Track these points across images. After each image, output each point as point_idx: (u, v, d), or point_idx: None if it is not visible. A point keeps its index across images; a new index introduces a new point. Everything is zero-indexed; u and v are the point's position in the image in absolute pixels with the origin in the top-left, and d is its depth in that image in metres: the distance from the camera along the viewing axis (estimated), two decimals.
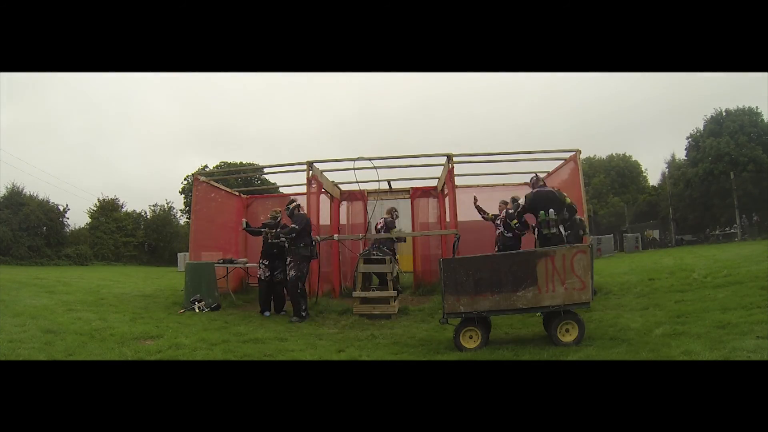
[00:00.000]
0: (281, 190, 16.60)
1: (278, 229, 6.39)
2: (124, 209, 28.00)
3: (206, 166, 29.47)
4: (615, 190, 31.77)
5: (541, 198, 5.47)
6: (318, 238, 7.11)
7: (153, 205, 29.72)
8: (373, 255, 6.69)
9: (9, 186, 22.43)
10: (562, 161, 7.97)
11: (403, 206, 9.46)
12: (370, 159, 7.02)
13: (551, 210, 5.32)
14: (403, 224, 9.37)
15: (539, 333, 4.40)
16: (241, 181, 25.06)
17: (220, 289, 7.22)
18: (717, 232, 19.76)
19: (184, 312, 6.29)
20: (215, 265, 7.28)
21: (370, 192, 9.17)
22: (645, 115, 52.34)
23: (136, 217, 28.33)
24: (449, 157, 7.13)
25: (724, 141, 22.18)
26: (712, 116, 24.03)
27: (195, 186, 8.52)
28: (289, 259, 6.14)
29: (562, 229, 5.43)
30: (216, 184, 8.98)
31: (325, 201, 8.53)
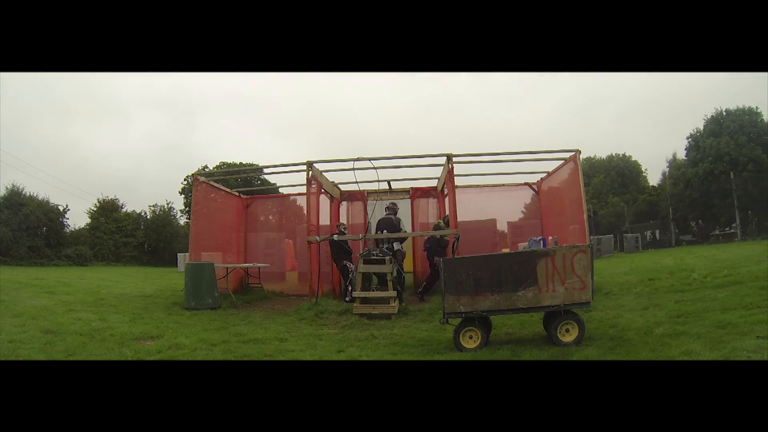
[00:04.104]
0: (281, 190, 16.64)
1: None
2: (123, 210, 27.99)
3: (206, 167, 29.48)
4: (615, 190, 31.74)
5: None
6: (318, 238, 7.11)
7: (153, 206, 29.69)
8: (373, 255, 6.70)
9: (9, 186, 22.44)
10: (562, 161, 7.97)
11: (403, 206, 9.46)
12: (370, 159, 7.02)
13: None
14: (403, 224, 9.38)
15: (539, 333, 4.39)
16: (240, 181, 25.06)
17: (220, 289, 7.22)
18: (717, 232, 19.76)
19: None
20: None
21: (370, 192, 9.17)
22: (645, 115, 52.43)
23: (135, 218, 28.28)
24: (449, 157, 7.13)
25: (724, 141, 22.16)
26: (712, 116, 24.00)
27: (195, 186, 8.52)
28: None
29: None
30: (216, 185, 8.98)
31: (325, 201, 8.53)
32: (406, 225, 9.23)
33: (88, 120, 53.32)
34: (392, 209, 7.99)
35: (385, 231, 7.38)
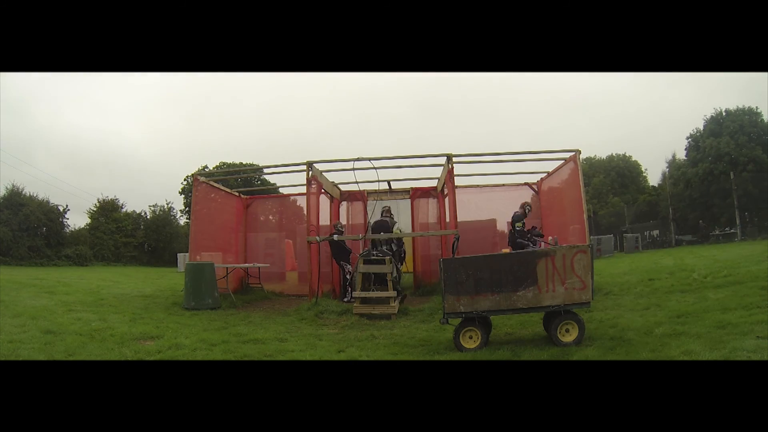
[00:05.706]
0: (281, 190, 16.65)
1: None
2: (123, 210, 27.98)
3: (206, 167, 29.48)
4: (615, 190, 31.75)
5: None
6: (318, 238, 7.11)
7: (153, 206, 29.67)
8: (373, 255, 6.70)
9: (9, 186, 22.42)
10: (562, 161, 7.98)
11: (403, 206, 9.46)
12: (369, 159, 7.02)
13: None
14: (403, 224, 9.38)
15: (539, 333, 4.39)
16: (240, 181, 25.05)
17: (220, 289, 7.22)
18: (717, 232, 19.75)
19: None
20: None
21: (370, 192, 9.17)
22: (645, 115, 52.43)
23: (135, 218, 28.27)
24: (449, 157, 7.13)
25: (724, 141, 22.18)
26: (712, 116, 24.02)
27: (195, 186, 8.52)
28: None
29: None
30: (216, 185, 8.98)
31: (325, 201, 8.53)
32: (406, 225, 9.25)
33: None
34: (387, 212, 8.05)
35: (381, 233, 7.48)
